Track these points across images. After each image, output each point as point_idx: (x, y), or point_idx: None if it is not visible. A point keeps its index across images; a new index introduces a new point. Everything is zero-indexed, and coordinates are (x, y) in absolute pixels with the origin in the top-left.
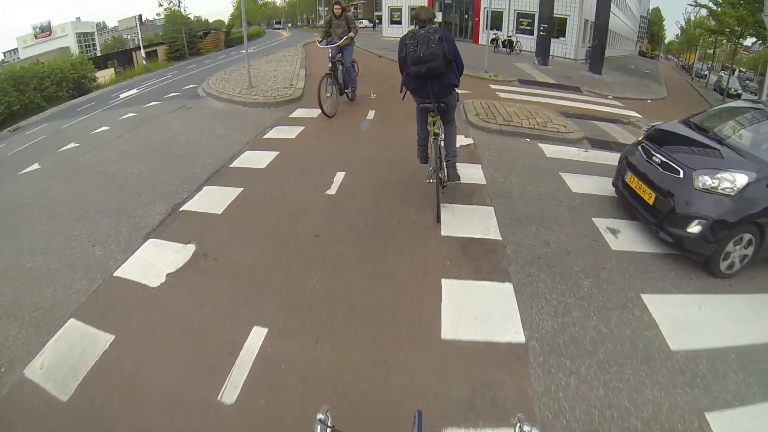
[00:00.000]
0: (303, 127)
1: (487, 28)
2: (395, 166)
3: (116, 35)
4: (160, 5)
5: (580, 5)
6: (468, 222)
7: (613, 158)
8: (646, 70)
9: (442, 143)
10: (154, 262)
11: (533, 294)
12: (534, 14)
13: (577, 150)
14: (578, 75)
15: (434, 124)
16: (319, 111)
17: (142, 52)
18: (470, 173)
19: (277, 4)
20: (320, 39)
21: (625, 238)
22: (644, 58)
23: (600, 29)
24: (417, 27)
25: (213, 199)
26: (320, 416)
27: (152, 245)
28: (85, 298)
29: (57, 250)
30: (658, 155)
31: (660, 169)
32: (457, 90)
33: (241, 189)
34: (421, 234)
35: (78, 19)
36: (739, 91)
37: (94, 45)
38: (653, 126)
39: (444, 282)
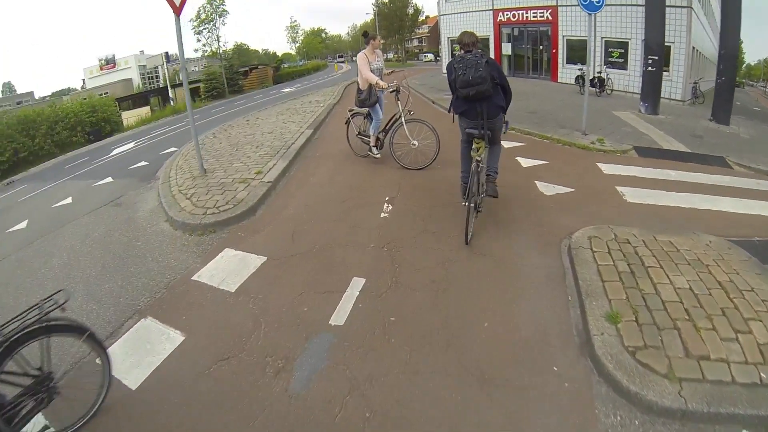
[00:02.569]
0: (201, 317)
1: (593, 61)
2: None
3: (177, 68)
4: (198, 40)
5: (687, 29)
6: None
7: None
8: (756, 108)
9: (482, 167)
10: None
11: None
12: (627, 42)
13: None
14: (703, 129)
15: (477, 151)
16: (263, 261)
17: (170, 92)
18: None
19: (342, 38)
20: None
21: None
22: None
23: (727, 61)
24: (463, 52)
25: None
26: None
27: None
28: None
29: None
30: None
31: None
32: (505, 118)
33: None
34: None
35: (142, 52)
36: None
37: (156, 77)
38: None
39: None
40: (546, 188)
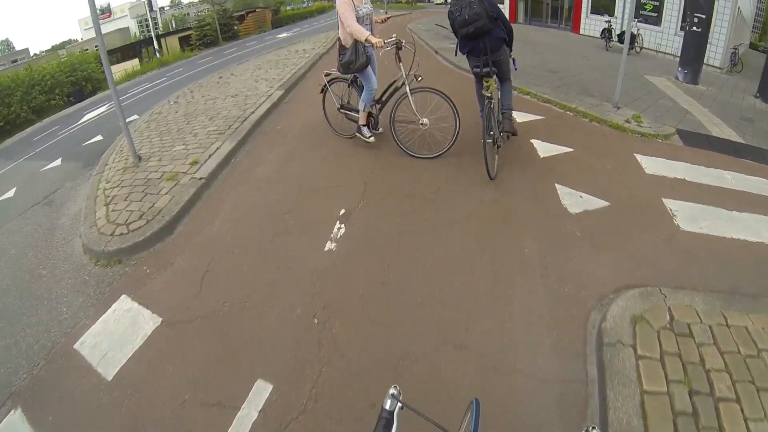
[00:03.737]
0: None
1: (623, 12)
2: None
3: (176, 14)
4: None
5: None
6: None
7: None
8: None
9: (495, 103)
10: None
11: None
12: None
13: None
14: (751, 109)
15: (488, 89)
16: (156, 326)
17: (155, 44)
18: None
19: None
20: None
21: None
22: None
23: None
24: None
25: None
26: (392, 391)
27: None
28: None
29: None
30: None
31: None
32: (510, 53)
33: None
34: None
35: None
36: None
37: (156, 25)
38: None
39: None
40: (571, 200)
